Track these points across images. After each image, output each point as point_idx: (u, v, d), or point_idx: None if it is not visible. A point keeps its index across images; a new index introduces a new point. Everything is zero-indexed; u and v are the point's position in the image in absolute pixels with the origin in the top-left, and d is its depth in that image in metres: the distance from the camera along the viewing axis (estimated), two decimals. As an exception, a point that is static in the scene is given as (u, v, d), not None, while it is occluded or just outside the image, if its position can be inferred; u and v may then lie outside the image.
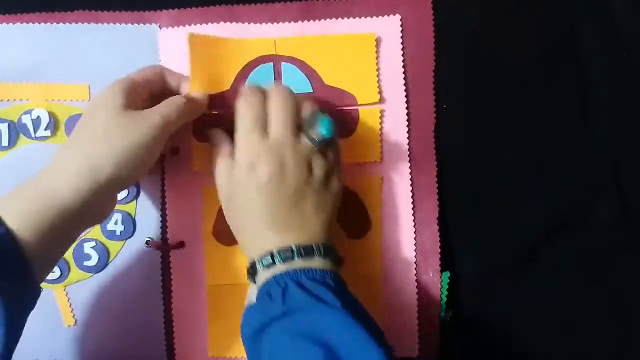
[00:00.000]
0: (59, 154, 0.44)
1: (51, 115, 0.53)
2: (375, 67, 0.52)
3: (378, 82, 0.52)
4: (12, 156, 0.53)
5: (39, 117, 0.53)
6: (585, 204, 0.53)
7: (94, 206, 0.43)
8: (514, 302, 0.53)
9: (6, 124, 0.53)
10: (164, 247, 0.53)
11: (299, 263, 0.43)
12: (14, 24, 0.53)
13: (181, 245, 0.53)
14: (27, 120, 0.53)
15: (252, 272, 0.45)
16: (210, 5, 0.53)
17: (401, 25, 0.53)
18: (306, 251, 0.44)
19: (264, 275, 0.44)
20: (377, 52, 0.53)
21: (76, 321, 0.53)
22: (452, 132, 0.53)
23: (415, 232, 0.53)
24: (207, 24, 0.53)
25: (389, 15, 0.53)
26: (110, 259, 0.53)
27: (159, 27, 0.53)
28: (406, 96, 0.53)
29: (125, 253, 0.53)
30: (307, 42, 0.52)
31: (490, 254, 0.53)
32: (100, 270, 0.53)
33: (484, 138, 0.54)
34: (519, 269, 0.53)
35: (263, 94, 0.47)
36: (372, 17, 0.53)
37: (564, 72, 0.54)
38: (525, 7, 0.54)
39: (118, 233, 0.53)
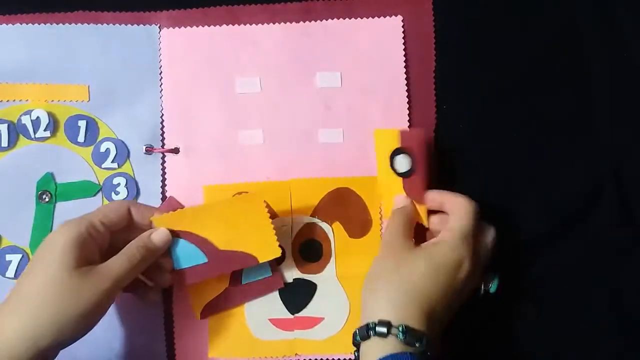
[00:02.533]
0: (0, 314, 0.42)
1: (50, 115, 0.53)
2: (269, 222, 0.48)
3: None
4: (11, 156, 0.53)
5: (38, 117, 0.52)
6: (585, 204, 0.53)
7: None
8: (513, 302, 0.53)
9: (6, 125, 0.53)
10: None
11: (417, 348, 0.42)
12: (13, 25, 0.53)
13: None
14: (26, 121, 0.53)
15: (366, 334, 0.43)
16: (211, 6, 0.53)
17: (402, 26, 0.53)
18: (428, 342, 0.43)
19: (378, 343, 0.42)
20: (378, 52, 0.53)
21: (76, 322, 0.52)
22: (452, 132, 0.53)
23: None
24: (207, 25, 0.53)
25: (390, 16, 0.53)
26: (110, 260, 0.53)
27: (159, 27, 0.53)
28: (407, 96, 0.53)
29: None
30: (191, 213, 0.49)
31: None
32: (100, 271, 0.53)
33: (484, 138, 0.54)
34: (518, 269, 0.53)
35: None
36: (372, 18, 0.53)
37: (564, 72, 0.54)
38: (526, 7, 0.54)
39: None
